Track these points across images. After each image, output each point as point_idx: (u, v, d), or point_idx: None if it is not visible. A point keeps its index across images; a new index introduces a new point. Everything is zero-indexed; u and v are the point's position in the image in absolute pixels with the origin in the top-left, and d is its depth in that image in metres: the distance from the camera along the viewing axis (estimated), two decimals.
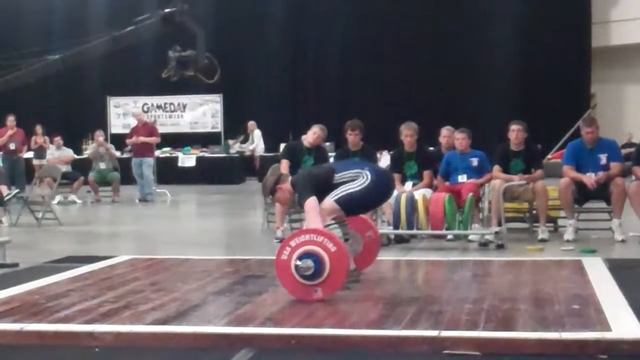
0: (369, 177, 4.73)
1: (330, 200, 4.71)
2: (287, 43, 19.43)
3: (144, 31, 8.05)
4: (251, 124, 17.94)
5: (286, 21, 19.54)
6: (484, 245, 6.91)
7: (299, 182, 4.84)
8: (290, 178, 5.06)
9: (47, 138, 14.94)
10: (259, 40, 19.24)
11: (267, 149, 17.62)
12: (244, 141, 18.18)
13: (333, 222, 4.71)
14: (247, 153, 17.83)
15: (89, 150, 14.95)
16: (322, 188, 4.74)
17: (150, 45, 15.67)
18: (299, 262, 4.36)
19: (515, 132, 7.52)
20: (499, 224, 7.01)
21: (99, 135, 13.68)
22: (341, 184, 4.77)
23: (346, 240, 4.76)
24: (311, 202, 4.65)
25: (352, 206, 4.76)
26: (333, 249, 4.38)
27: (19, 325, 3.94)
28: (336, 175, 4.81)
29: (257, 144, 17.80)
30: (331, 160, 8.25)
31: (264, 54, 19.32)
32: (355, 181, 4.73)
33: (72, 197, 13.03)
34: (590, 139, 7.34)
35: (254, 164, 17.57)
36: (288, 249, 4.45)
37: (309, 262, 4.34)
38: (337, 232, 4.66)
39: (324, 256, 4.36)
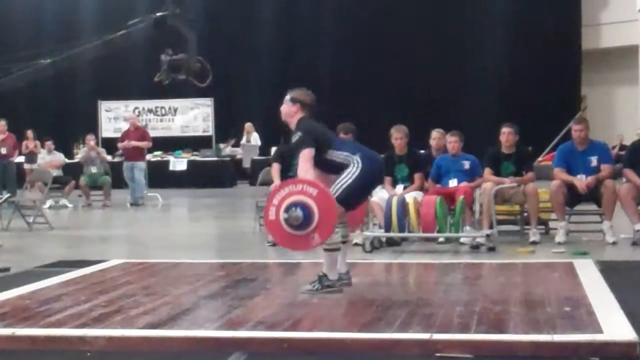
0: (360, 163, 4.64)
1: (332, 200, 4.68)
2: (278, 47, 19.45)
3: (136, 35, 8.04)
4: (248, 125, 17.88)
5: (277, 25, 19.55)
6: (475, 247, 6.92)
7: (302, 128, 4.75)
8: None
9: (38, 142, 14.90)
10: (250, 44, 19.24)
11: (258, 153, 17.61)
12: (236, 144, 18.16)
13: (338, 224, 4.65)
14: (238, 156, 17.78)
15: (80, 154, 14.91)
16: (317, 148, 4.69)
17: (141, 49, 15.65)
18: (286, 215, 4.39)
19: (506, 135, 7.54)
20: (490, 227, 7.02)
21: (90, 140, 13.65)
22: (331, 164, 4.70)
23: (344, 242, 4.76)
24: (309, 152, 4.63)
25: (351, 199, 4.70)
26: (314, 192, 4.41)
27: (11, 330, 3.92)
28: (330, 149, 4.72)
29: (251, 150, 17.69)
30: None
31: (255, 58, 19.32)
32: (347, 170, 4.64)
33: (64, 201, 12.99)
34: (579, 137, 7.36)
35: (239, 174, 17.47)
36: (273, 208, 4.47)
37: (297, 212, 4.37)
38: (334, 237, 4.63)
39: (308, 202, 4.39)
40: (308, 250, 4.53)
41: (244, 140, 17.94)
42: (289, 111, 4.88)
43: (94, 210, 12.72)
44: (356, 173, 4.63)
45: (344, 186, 4.63)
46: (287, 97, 4.93)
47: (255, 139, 17.86)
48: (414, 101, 17.34)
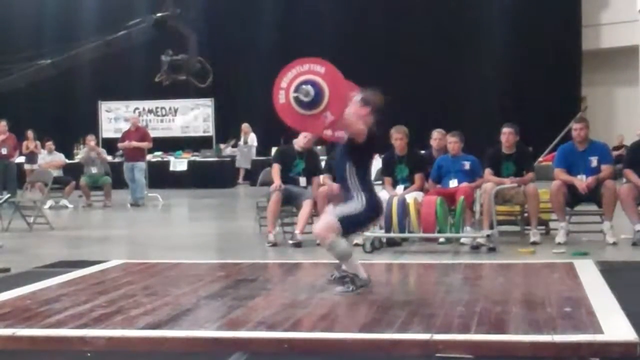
0: (364, 203, 4.64)
1: (331, 218, 4.67)
2: (279, 47, 19.42)
3: (136, 35, 8.03)
4: (245, 126, 17.88)
5: (278, 25, 19.55)
6: (475, 248, 6.92)
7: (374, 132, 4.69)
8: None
9: (38, 143, 14.91)
10: (251, 44, 19.24)
11: (259, 153, 17.60)
12: (236, 145, 18.16)
13: (333, 238, 4.63)
14: (237, 158, 17.75)
15: (80, 154, 14.91)
16: (359, 152, 4.66)
17: (142, 49, 15.63)
18: (296, 94, 4.38)
19: (507, 135, 7.54)
20: (491, 227, 7.02)
21: (91, 140, 13.65)
22: (343, 180, 4.69)
23: (351, 253, 4.72)
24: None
25: (351, 225, 4.73)
26: (322, 69, 4.43)
27: (11, 330, 3.92)
28: (357, 170, 4.67)
29: (248, 151, 17.67)
30: (323, 163, 8.27)
31: (255, 58, 19.31)
32: (352, 203, 4.66)
33: (64, 201, 13.00)
34: (579, 136, 7.36)
35: (237, 176, 17.47)
36: (281, 91, 4.48)
37: (306, 88, 4.37)
38: (342, 245, 4.63)
39: (317, 79, 4.39)
40: (321, 131, 4.49)
41: (241, 142, 17.93)
42: (358, 113, 4.67)
43: (94, 210, 12.73)
44: (360, 210, 4.65)
45: (349, 213, 4.64)
46: (357, 97, 4.74)
47: (252, 139, 17.86)
48: (414, 101, 17.32)
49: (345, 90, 4.49)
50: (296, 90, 4.40)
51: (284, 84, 4.48)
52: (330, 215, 4.70)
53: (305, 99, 4.39)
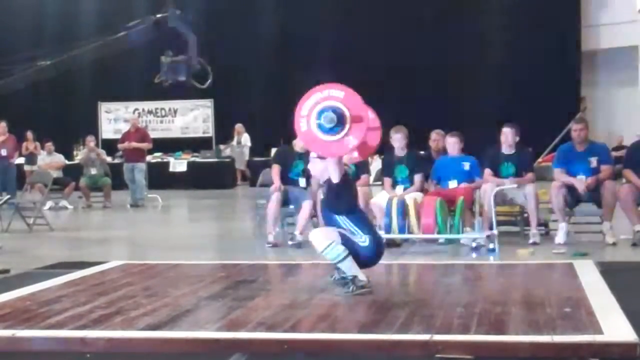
0: (368, 242, 4.68)
1: (335, 230, 4.70)
2: (279, 48, 19.44)
3: (136, 37, 8.04)
4: (239, 126, 17.87)
5: (278, 27, 19.54)
6: (475, 248, 6.92)
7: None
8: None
9: (38, 144, 14.91)
10: (251, 45, 19.23)
11: (258, 154, 17.59)
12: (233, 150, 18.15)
13: (330, 241, 4.65)
14: (232, 158, 17.72)
15: (80, 155, 14.91)
16: (340, 196, 4.72)
17: (141, 50, 15.63)
18: (320, 121, 4.44)
19: (506, 135, 7.54)
20: (491, 228, 7.02)
21: (90, 141, 13.65)
22: (340, 228, 4.73)
23: (348, 255, 4.70)
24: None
25: (347, 245, 4.69)
26: (341, 94, 4.50)
27: (11, 331, 3.92)
28: (348, 216, 4.73)
29: (241, 151, 17.67)
30: None
31: (255, 59, 19.31)
32: (355, 237, 4.70)
33: (64, 202, 12.99)
34: (578, 137, 7.36)
35: (235, 176, 17.47)
36: (303, 119, 4.53)
37: (329, 114, 4.44)
38: (337, 248, 4.64)
39: (337, 105, 4.47)
40: (345, 154, 4.62)
41: (234, 142, 17.92)
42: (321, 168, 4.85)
43: (94, 211, 12.72)
44: (362, 245, 4.67)
45: (352, 237, 4.66)
46: (313, 155, 4.92)
47: (245, 139, 17.87)
48: (413, 102, 17.33)
49: (365, 113, 4.53)
50: (318, 117, 4.45)
51: (304, 112, 4.52)
52: (331, 228, 4.72)
53: (329, 126, 4.45)
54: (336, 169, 4.67)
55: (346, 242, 4.67)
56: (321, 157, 4.82)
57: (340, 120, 4.44)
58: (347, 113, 4.46)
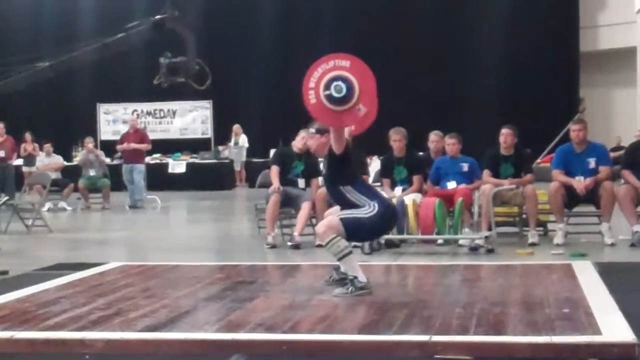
0: (376, 208, 4.66)
1: (335, 219, 4.67)
2: (278, 49, 19.45)
3: (135, 38, 8.04)
4: (237, 127, 17.86)
5: (277, 28, 19.56)
6: (474, 249, 6.93)
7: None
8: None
9: (36, 145, 14.91)
10: (250, 46, 19.25)
11: (257, 155, 17.60)
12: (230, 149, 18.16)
13: (334, 235, 4.65)
14: (231, 158, 17.72)
15: (78, 157, 14.92)
16: (342, 168, 4.69)
17: (140, 51, 15.65)
18: (329, 92, 4.42)
19: (505, 136, 7.55)
20: (489, 229, 7.03)
21: (89, 142, 13.65)
22: (345, 199, 4.72)
23: (350, 252, 4.70)
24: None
25: (355, 231, 4.71)
26: (347, 64, 4.49)
27: (9, 333, 3.92)
28: (353, 186, 4.72)
29: (237, 153, 17.67)
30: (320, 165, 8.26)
31: (254, 60, 19.33)
32: (363, 208, 4.67)
33: (62, 204, 12.99)
34: (577, 137, 7.37)
35: (234, 177, 17.48)
36: (311, 92, 4.51)
37: (337, 84, 4.41)
38: (341, 244, 4.63)
39: (344, 74, 4.45)
40: (358, 125, 4.55)
41: (231, 143, 17.93)
42: (321, 142, 4.86)
43: (93, 212, 12.72)
44: (372, 215, 4.65)
45: (356, 217, 4.65)
46: (311, 130, 4.95)
47: (243, 140, 17.87)
48: (413, 103, 17.34)
49: (373, 80, 4.52)
50: (327, 88, 4.43)
51: (312, 84, 4.50)
52: (334, 216, 4.70)
53: (338, 95, 4.43)
54: (339, 140, 4.63)
55: (352, 225, 4.62)
56: (319, 132, 4.81)
57: (349, 89, 4.42)
58: (355, 82, 4.44)
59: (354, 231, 4.71)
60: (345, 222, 4.64)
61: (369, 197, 4.72)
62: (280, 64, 19.44)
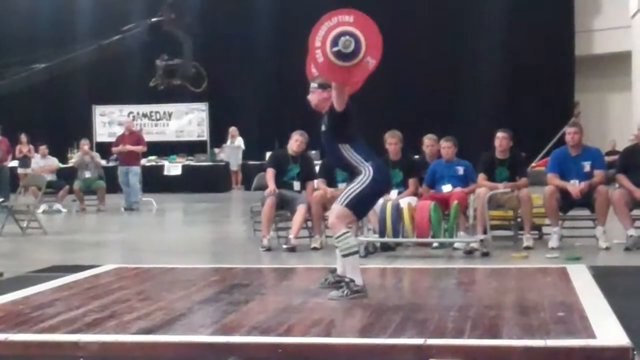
0: (371, 172, 4.67)
1: (340, 207, 4.68)
2: (274, 52, 19.46)
3: (131, 40, 8.05)
4: (233, 129, 17.86)
5: (273, 30, 19.57)
6: (469, 253, 6.94)
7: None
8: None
9: (32, 147, 14.88)
10: (246, 49, 19.26)
11: (253, 158, 17.60)
12: (225, 151, 18.16)
13: (347, 230, 4.68)
14: (226, 162, 17.72)
15: (74, 158, 14.88)
16: (343, 126, 4.66)
17: (136, 54, 15.66)
18: (337, 48, 4.40)
19: (500, 140, 7.57)
20: (484, 232, 7.04)
21: (84, 144, 13.63)
22: (345, 162, 4.71)
23: (356, 252, 4.73)
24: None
25: (362, 206, 4.74)
26: (350, 18, 4.49)
27: (4, 335, 3.91)
28: (351, 144, 4.71)
29: (234, 154, 17.66)
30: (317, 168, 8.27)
31: (250, 63, 19.33)
32: (359, 177, 4.67)
33: (57, 206, 12.96)
34: (572, 140, 7.39)
35: (230, 180, 17.48)
36: (317, 51, 4.48)
37: (344, 40, 4.40)
38: (350, 240, 4.65)
39: (349, 29, 4.44)
40: (366, 76, 4.51)
41: (227, 143, 17.93)
42: (323, 98, 4.78)
43: (88, 215, 12.70)
44: (366, 182, 4.65)
45: (355, 193, 4.65)
46: (313, 84, 4.86)
47: (239, 143, 17.88)
48: (408, 107, 17.36)
49: (378, 32, 4.51)
50: (334, 44, 4.41)
51: (318, 43, 4.47)
52: (339, 206, 4.69)
53: (347, 51, 4.41)
54: (341, 96, 4.60)
55: (358, 204, 4.62)
56: (322, 86, 4.76)
57: (357, 43, 4.41)
58: (361, 35, 4.44)
59: (361, 208, 4.75)
60: (350, 205, 4.64)
61: (364, 157, 4.71)
62: (276, 67, 19.44)
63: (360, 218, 4.76)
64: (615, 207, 7.10)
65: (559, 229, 7.31)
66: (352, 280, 4.64)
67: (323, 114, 4.79)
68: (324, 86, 4.77)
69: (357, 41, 4.43)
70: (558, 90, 18.19)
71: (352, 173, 4.75)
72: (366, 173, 4.67)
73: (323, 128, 4.78)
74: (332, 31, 4.46)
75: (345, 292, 4.61)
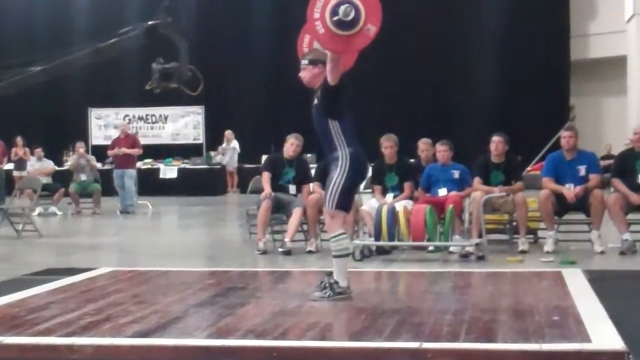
0: (348, 161, 4.65)
1: (330, 211, 4.70)
2: (270, 55, 19.47)
3: (127, 43, 8.03)
4: (228, 133, 17.88)
5: (270, 34, 19.59)
6: (464, 256, 6.95)
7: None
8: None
9: (27, 149, 14.87)
10: (242, 53, 19.27)
11: (249, 161, 17.60)
12: (226, 153, 18.18)
13: (343, 231, 4.70)
14: (223, 165, 17.72)
15: (69, 161, 14.88)
16: (335, 100, 4.65)
17: (133, 57, 15.63)
18: (337, 17, 4.36)
19: (496, 144, 7.58)
20: (480, 236, 7.05)
21: (80, 147, 13.62)
22: (328, 137, 4.69)
23: (348, 255, 4.74)
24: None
25: (345, 201, 4.74)
26: None
27: None
28: (340, 122, 4.70)
29: (231, 156, 17.69)
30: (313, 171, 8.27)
31: (246, 66, 19.35)
32: (337, 165, 4.67)
33: (53, 208, 12.95)
34: (567, 144, 7.41)
35: (227, 181, 17.49)
36: (317, 22, 4.44)
37: (345, 8, 4.36)
38: (345, 243, 4.66)
39: None
40: (368, 43, 4.48)
41: (223, 145, 17.93)
42: (315, 74, 4.79)
43: (84, 218, 12.68)
44: (343, 177, 4.66)
45: (338, 192, 4.67)
46: (304, 61, 4.87)
47: (235, 146, 17.89)
48: (403, 110, 17.38)
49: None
50: (334, 14, 4.38)
51: (317, 15, 4.44)
52: (329, 209, 4.70)
53: (347, 19, 4.37)
54: (336, 69, 4.57)
55: (342, 198, 4.65)
56: (313, 62, 4.76)
57: (356, 11, 4.38)
58: (359, 2, 4.40)
59: (347, 201, 4.75)
60: (338, 206, 4.66)
61: (347, 141, 4.68)
62: (272, 71, 19.45)
63: (349, 209, 4.84)
64: (611, 211, 7.12)
65: (554, 233, 7.32)
66: (336, 282, 4.65)
67: (315, 89, 4.78)
68: (314, 62, 4.77)
69: (357, 9, 4.38)
70: (553, 94, 18.25)
71: (329, 149, 4.73)
72: (342, 163, 4.66)
73: (315, 101, 4.78)
74: (330, 1, 4.41)
75: (328, 293, 4.63)
